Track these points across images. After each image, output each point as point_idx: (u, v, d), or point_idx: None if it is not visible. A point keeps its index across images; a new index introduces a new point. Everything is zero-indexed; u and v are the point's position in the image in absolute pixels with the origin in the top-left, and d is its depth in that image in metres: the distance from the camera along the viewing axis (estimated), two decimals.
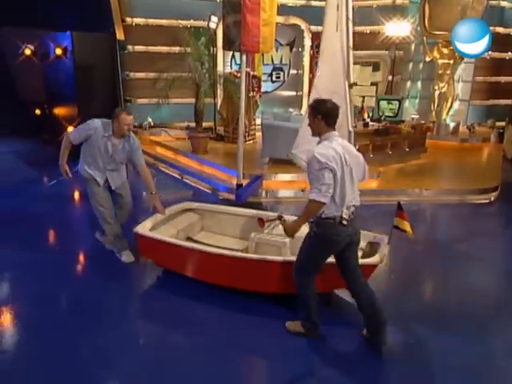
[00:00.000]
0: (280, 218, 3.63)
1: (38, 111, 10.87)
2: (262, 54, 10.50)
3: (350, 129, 4.63)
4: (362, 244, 3.93)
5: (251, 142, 9.59)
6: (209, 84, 8.99)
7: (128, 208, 4.93)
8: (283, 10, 9.77)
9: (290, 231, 3.32)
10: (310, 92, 11.70)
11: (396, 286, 4.65)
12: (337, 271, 3.50)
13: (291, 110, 11.55)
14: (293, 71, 11.67)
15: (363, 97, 10.61)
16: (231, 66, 10.69)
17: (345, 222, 3.24)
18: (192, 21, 9.81)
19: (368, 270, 3.68)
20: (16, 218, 6.34)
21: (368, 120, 9.12)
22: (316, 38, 11.16)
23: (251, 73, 9.21)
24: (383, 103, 9.84)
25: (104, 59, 9.52)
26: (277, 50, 11.18)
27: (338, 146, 3.24)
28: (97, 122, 4.56)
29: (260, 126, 8.14)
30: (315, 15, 10.92)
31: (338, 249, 3.37)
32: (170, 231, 4.65)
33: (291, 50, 11.53)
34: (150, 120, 10.19)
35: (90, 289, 4.44)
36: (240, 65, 9.95)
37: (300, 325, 3.59)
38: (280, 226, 3.65)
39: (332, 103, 3.30)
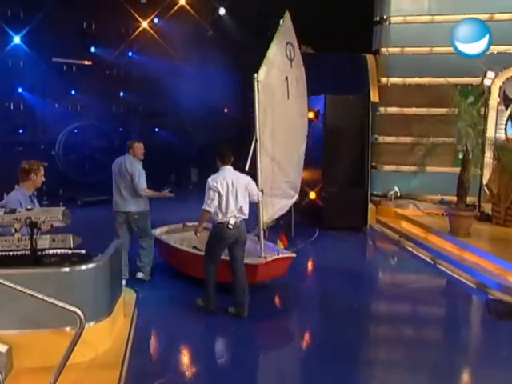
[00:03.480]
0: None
1: None
2: None
3: (247, 169, 6.10)
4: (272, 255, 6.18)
5: None
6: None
7: None
8: None
9: (195, 230, 5.82)
10: None
11: None
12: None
13: None
14: None
15: None
16: (506, 130, 9.78)
17: (230, 226, 5.41)
18: (461, 78, 9.51)
19: (250, 268, 5.88)
20: None
21: None
22: None
23: None
24: None
25: (353, 122, 9.82)
26: None
27: (228, 175, 5.47)
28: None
29: None
30: None
31: (226, 244, 5.54)
32: (176, 238, 7.19)
33: None
34: (396, 190, 10.07)
35: None
36: None
37: (201, 300, 5.76)
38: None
39: (221, 149, 5.65)
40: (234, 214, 5.41)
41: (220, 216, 5.42)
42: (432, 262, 7.92)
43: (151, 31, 12.75)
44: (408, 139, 9.50)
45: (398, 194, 10.13)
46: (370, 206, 10.08)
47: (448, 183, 8.94)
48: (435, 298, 6.88)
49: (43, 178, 5.02)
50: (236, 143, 13.05)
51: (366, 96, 10.01)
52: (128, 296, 5.86)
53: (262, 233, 6.23)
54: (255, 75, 5.99)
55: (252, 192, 5.66)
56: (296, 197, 7.02)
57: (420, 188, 9.98)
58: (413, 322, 6.04)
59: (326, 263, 8.02)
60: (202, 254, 5.98)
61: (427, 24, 10.11)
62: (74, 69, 12.65)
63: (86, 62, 12.79)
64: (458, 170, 8.64)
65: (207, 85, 12.40)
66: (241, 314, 5.54)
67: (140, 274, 6.64)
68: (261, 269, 5.96)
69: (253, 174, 5.97)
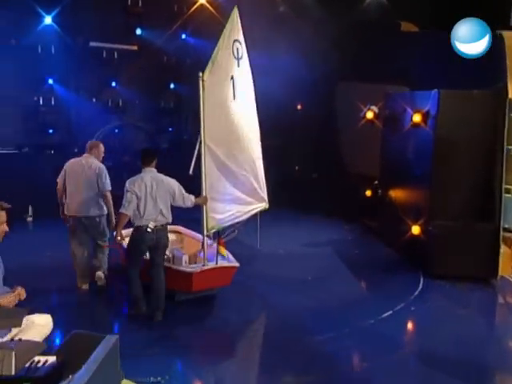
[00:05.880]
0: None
1: (368, 191, 10.80)
2: None
3: (191, 172, 6.49)
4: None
5: None
6: None
7: None
8: None
9: (115, 235, 6.28)
10: None
11: None
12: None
13: None
14: None
15: None
16: None
17: (149, 230, 5.97)
18: None
19: (185, 276, 6.41)
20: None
21: None
22: None
23: None
24: None
25: (479, 128, 8.22)
26: None
27: (147, 177, 6.03)
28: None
29: None
30: None
31: (146, 248, 6.14)
32: None
33: None
34: None
35: None
36: None
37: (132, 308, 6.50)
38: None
39: (143, 150, 6.50)
40: (153, 218, 5.96)
41: (138, 219, 5.95)
42: None
43: (210, 8, 12.15)
44: None
45: None
46: (503, 248, 8.32)
47: None
48: None
49: (6, 228, 4.26)
50: (312, 147, 12.37)
51: (501, 91, 8.23)
52: None
53: (205, 239, 6.64)
54: (200, 74, 6.51)
55: (175, 196, 6.12)
56: (263, 204, 7.28)
57: None
58: None
59: (432, 338, 6.06)
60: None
61: None
62: (115, 55, 12.24)
63: (131, 47, 12.37)
64: None
65: (276, 74, 11.38)
66: (154, 318, 6.09)
67: (101, 274, 7.12)
68: (196, 277, 6.27)
69: (197, 177, 6.50)
